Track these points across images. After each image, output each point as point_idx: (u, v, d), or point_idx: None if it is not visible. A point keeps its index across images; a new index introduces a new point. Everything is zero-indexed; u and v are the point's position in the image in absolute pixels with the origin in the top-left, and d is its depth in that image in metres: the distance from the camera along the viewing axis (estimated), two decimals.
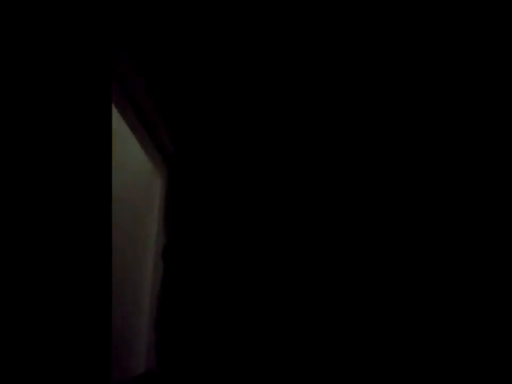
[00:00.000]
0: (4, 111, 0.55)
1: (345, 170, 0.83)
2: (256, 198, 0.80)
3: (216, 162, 0.84)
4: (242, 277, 0.78)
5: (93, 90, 0.60)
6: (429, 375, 0.74)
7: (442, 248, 0.79)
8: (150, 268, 1.32)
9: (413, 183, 0.82)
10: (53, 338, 0.54)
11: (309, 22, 0.86)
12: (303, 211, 0.82)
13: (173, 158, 0.96)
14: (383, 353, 0.75)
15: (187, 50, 0.91)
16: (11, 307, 0.52)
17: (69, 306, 0.55)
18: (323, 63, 0.86)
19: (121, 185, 1.24)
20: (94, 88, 0.61)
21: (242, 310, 0.77)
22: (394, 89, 0.84)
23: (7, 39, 0.56)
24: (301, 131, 0.84)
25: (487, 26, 0.81)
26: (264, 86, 0.84)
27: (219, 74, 0.87)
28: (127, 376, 1.13)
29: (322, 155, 0.84)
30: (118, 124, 1.18)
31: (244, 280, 0.78)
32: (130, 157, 1.34)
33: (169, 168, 1.00)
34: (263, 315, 0.78)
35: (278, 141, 0.83)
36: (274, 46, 0.86)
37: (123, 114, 1.13)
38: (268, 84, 0.85)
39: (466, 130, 0.82)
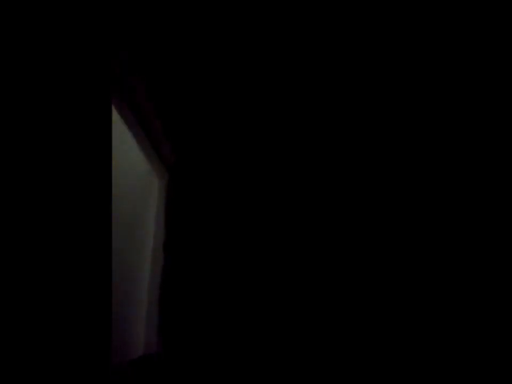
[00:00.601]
0: (6, 113, 0.55)
1: (345, 172, 0.84)
2: (251, 198, 0.83)
3: (214, 167, 0.89)
4: (237, 266, 0.82)
5: (93, 91, 0.60)
6: (428, 375, 0.74)
7: (442, 248, 0.79)
8: (148, 260, 1.40)
9: (412, 183, 0.82)
10: (54, 325, 0.55)
11: (308, 24, 0.86)
12: (300, 211, 0.83)
13: (174, 164, 1.02)
14: (383, 352, 0.75)
15: (188, 56, 0.93)
16: (15, 296, 0.54)
17: (71, 294, 0.57)
18: (323, 66, 0.87)
19: (120, 185, 1.31)
20: (94, 88, 0.60)
21: (239, 297, 0.80)
22: (394, 89, 0.85)
23: (6, 39, 0.55)
24: (299, 139, 0.86)
25: (487, 26, 0.80)
26: (263, 95, 0.86)
27: (219, 82, 0.90)
28: (126, 360, 1.20)
29: (321, 159, 0.85)
30: (118, 126, 1.25)
31: (238, 268, 0.82)
32: (130, 158, 1.41)
33: (169, 172, 1.06)
34: (260, 302, 0.80)
35: (276, 149, 0.85)
36: (274, 54, 0.86)
37: (123, 117, 1.18)
38: (267, 94, 0.86)
39: (466, 131, 0.82)
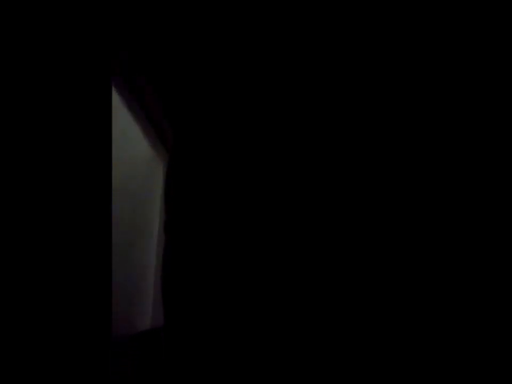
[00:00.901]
0: (12, 107, 0.56)
1: (345, 169, 0.84)
2: (250, 179, 0.84)
3: (211, 150, 0.91)
4: (237, 246, 0.83)
5: (93, 85, 0.61)
6: (428, 375, 0.73)
7: (442, 248, 0.78)
8: (155, 240, 1.46)
9: (412, 183, 0.81)
10: (53, 297, 0.57)
11: (309, 22, 0.87)
12: (293, 199, 0.83)
13: (173, 146, 1.06)
14: (383, 352, 0.74)
15: (187, 46, 0.93)
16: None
17: (69, 268, 0.58)
18: (323, 61, 0.87)
19: (125, 173, 1.36)
20: (94, 82, 0.61)
21: (240, 276, 0.81)
22: (395, 89, 0.84)
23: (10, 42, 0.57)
24: (297, 124, 0.85)
25: (487, 26, 0.80)
26: (263, 85, 0.86)
27: (219, 72, 0.90)
28: (129, 334, 1.26)
29: (322, 152, 0.85)
30: (121, 116, 1.29)
31: (238, 248, 0.83)
32: (134, 148, 1.46)
33: (169, 155, 1.09)
34: (259, 281, 0.81)
35: (273, 142, 0.84)
36: (275, 44, 0.87)
37: (129, 109, 1.23)
38: (267, 84, 0.86)
39: (466, 131, 0.81)
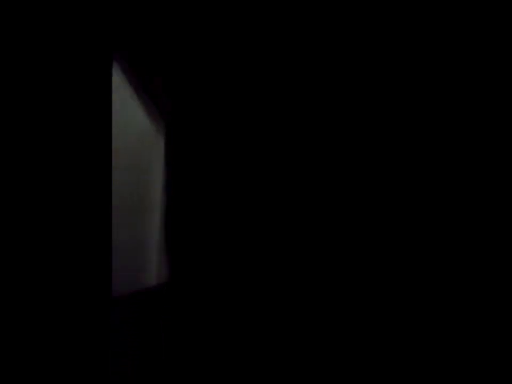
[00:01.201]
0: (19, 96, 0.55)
1: (344, 167, 0.81)
2: (244, 174, 0.84)
3: (204, 118, 0.93)
4: (232, 205, 0.87)
5: (93, 65, 0.60)
6: (429, 375, 0.74)
7: (442, 248, 0.78)
8: (158, 197, 1.49)
9: (412, 183, 0.81)
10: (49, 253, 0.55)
11: (310, 20, 0.85)
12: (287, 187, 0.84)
13: (170, 114, 1.09)
14: (383, 353, 0.74)
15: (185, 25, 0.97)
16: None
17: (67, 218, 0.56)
18: (323, 60, 0.84)
19: (127, 141, 1.40)
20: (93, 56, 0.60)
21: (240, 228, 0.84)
22: (394, 89, 0.83)
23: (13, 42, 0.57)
24: (295, 122, 0.80)
25: (487, 26, 0.80)
26: (263, 78, 0.86)
27: (217, 54, 0.92)
28: (132, 290, 1.30)
29: (320, 149, 0.81)
30: (120, 87, 1.32)
31: (233, 207, 0.86)
32: (135, 118, 1.49)
33: (166, 124, 1.14)
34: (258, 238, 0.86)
35: (271, 135, 0.85)
36: (274, 41, 0.86)
37: (128, 79, 1.26)
38: (267, 77, 0.86)
39: (466, 131, 0.81)
